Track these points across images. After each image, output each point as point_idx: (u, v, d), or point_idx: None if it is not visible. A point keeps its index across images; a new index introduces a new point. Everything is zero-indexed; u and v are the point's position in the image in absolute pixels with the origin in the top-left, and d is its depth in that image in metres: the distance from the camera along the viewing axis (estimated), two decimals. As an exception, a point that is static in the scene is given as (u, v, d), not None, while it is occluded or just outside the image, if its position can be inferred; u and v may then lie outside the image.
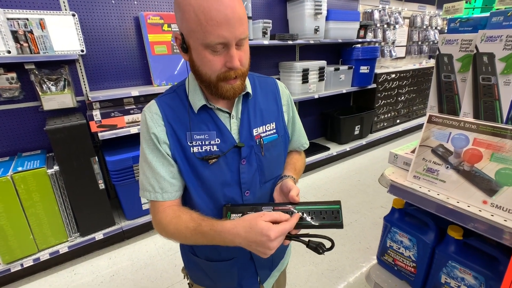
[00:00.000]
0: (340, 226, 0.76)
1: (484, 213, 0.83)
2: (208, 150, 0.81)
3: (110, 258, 2.36)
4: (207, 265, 0.93)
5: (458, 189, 0.90)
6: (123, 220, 2.50)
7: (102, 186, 2.26)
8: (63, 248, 2.19)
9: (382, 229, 1.28)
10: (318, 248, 0.75)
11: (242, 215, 0.79)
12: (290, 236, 0.75)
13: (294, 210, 0.78)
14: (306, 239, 0.77)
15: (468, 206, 0.86)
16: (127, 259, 2.34)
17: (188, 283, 1.08)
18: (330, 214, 0.77)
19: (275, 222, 0.70)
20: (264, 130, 0.88)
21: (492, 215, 0.81)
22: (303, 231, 0.77)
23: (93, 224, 2.31)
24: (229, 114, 0.84)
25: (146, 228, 2.60)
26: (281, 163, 0.97)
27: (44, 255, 2.13)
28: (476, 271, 0.94)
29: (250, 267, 0.95)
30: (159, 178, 0.81)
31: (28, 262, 2.08)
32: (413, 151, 1.14)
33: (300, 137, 1.05)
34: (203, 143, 0.81)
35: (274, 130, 0.91)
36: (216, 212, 0.85)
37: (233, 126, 0.84)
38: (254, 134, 0.86)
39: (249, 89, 0.86)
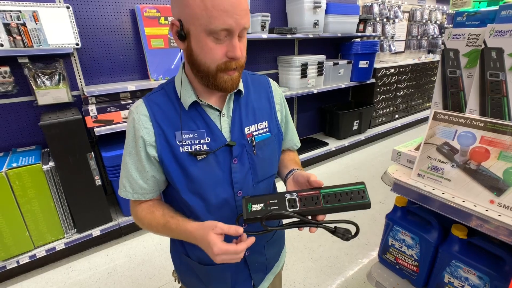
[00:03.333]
0: (367, 205, 0.73)
1: (491, 213, 0.81)
2: (198, 149, 0.79)
3: (107, 255, 2.34)
4: (199, 268, 0.91)
5: (464, 188, 0.88)
6: (120, 216, 2.47)
7: (98, 182, 2.23)
8: (59, 245, 2.17)
9: (384, 227, 1.26)
10: (345, 234, 0.73)
11: (264, 205, 0.74)
12: (317, 224, 0.72)
13: (319, 194, 0.74)
14: (332, 225, 0.73)
15: (475, 206, 0.84)
16: (125, 255, 2.32)
17: (180, 287, 1.06)
18: (356, 194, 0.74)
19: (228, 235, 0.70)
20: (256, 129, 0.86)
21: (500, 215, 0.79)
22: (328, 216, 0.74)
23: (90, 220, 2.29)
24: (219, 112, 0.82)
25: (143, 224, 2.57)
26: (274, 163, 0.94)
27: (40, 252, 2.10)
28: (481, 271, 0.93)
29: (244, 271, 0.93)
30: (131, 179, 0.83)
31: (24, 259, 2.06)
32: (416, 149, 1.11)
33: (293, 136, 1.05)
34: (193, 142, 0.78)
35: (267, 129, 0.88)
36: (209, 214, 0.82)
37: (223, 124, 0.82)
38: (246, 132, 0.83)
39: (241, 86, 0.83)
